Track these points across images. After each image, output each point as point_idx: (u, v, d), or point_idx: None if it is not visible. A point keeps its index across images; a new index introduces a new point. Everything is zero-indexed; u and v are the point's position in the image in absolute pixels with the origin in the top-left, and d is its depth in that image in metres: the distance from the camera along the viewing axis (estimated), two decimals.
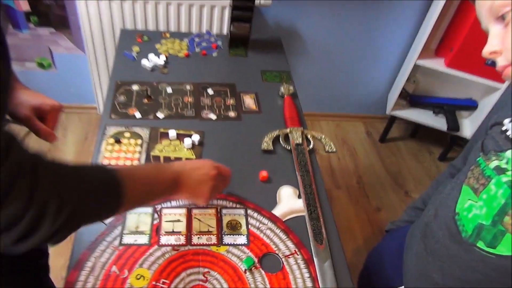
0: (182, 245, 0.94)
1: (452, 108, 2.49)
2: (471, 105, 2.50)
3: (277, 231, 1.01)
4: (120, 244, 0.93)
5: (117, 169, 0.68)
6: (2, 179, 0.44)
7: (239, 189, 1.09)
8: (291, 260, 0.96)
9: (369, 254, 1.26)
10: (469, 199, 0.78)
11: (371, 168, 2.55)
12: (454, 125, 2.41)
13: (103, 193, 0.63)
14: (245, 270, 0.92)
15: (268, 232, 1.01)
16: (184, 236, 0.96)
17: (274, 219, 1.04)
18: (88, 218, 0.62)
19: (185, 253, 0.93)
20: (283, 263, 0.95)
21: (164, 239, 0.95)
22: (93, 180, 0.62)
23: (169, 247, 0.94)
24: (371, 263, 1.23)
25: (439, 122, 2.49)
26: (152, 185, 0.79)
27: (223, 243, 0.96)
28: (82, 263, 0.88)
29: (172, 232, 0.97)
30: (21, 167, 0.47)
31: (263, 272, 0.92)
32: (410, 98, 2.55)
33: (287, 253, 0.97)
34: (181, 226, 0.98)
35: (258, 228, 1.01)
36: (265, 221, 1.03)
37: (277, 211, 1.06)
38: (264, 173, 1.13)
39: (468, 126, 2.50)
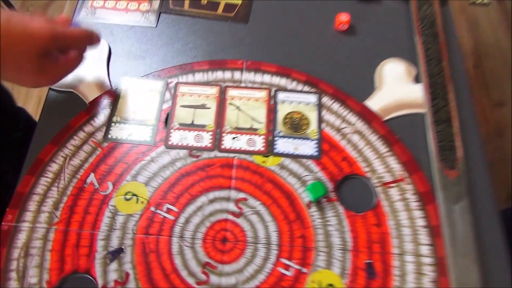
0: (206, 148, 0.56)
1: None
2: None
3: (373, 138, 0.57)
4: (105, 139, 0.56)
5: None
6: None
7: (308, 58, 0.63)
8: (394, 192, 0.53)
9: None
10: None
11: (497, 47, 1.86)
12: None
13: None
14: (309, 202, 0.52)
15: (355, 138, 0.57)
16: (211, 134, 0.57)
17: (367, 117, 0.59)
18: None
19: (209, 162, 0.55)
20: (378, 195, 0.53)
21: (176, 136, 0.57)
22: None
23: (184, 150, 0.56)
24: None
25: None
26: None
27: (276, 151, 0.56)
28: (43, 165, 0.54)
29: (192, 126, 0.57)
30: None
31: (341, 209, 0.52)
32: None
33: (388, 178, 0.54)
34: (207, 117, 0.58)
35: (337, 130, 0.58)
36: (352, 118, 0.59)
37: (375, 103, 0.60)
38: (344, 17, 0.65)
39: None
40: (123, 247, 0.49)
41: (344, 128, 0.58)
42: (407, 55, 0.64)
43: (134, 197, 0.52)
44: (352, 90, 0.61)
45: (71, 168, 0.54)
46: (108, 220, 0.51)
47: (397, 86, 0.61)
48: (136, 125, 0.57)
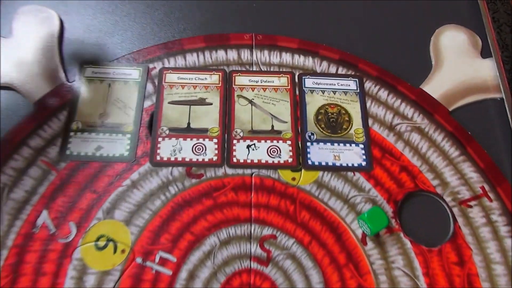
0: (211, 163, 0.39)
1: None
2: None
3: (438, 137, 0.42)
4: (62, 156, 0.39)
5: None
6: None
7: (340, 29, 0.47)
8: (476, 213, 0.38)
9: None
10: None
11: None
12: None
13: None
14: (364, 235, 0.37)
15: (415, 138, 0.41)
16: (217, 141, 0.40)
17: (428, 107, 0.43)
18: None
19: (218, 184, 0.38)
20: (454, 219, 0.38)
21: (166, 148, 0.39)
22: None
23: (179, 167, 0.39)
24: None
25: None
26: None
27: (310, 162, 0.39)
28: None
29: (188, 131, 0.40)
30: None
31: (407, 243, 0.37)
32: None
33: (465, 194, 0.39)
34: (209, 117, 0.41)
35: (390, 128, 0.42)
36: (407, 110, 0.43)
37: (435, 87, 0.44)
38: None
39: None
40: None
41: (399, 124, 0.42)
42: (468, 21, 0.48)
43: (111, 243, 0.36)
44: (402, 70, 0.45)
45: (12, 204, 0.36)
46: (73, 282, 0.34)
47: (460, 63, 0.46)
48: (106, 134, 0.40)
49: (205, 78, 0.42)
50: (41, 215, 0.36)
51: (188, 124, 0.41)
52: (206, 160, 0.39)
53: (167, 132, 0.40)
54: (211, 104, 0.41)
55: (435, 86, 0.44)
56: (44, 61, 0.43)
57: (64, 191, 0.37)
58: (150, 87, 0.42)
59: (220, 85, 0.42)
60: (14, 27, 0.45)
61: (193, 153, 0.39)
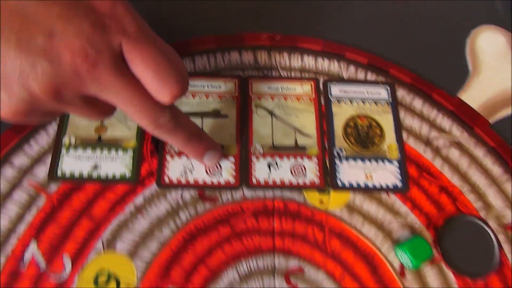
0: (227, 186, 0.34)
1: None
2: None
3: (479, 153, 0.37)
4: (52, 177, 0.33)
5: None
6: None
7: (368, 30, 0.42)
8: None
9: None
10: None
11: None
12: None
13: None
14: (402, 267, 0.33)
15: (454, 155, 0.37)
16: (233, 159, 0.35)
17: (467, 119, 0.39)
18: None
19: (235, 209, 0.33)
20: (500, 247, 0.34)
21: (176, 168, 0.34)
22: None
23: (191, 190, 0.33)
24: None
25: None
26: None
27: (339, 183, 0.35)
28: None
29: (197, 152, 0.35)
30: None
31: (449, 274, 0.33)
32: None
33: (510, 217, 0.35)
34: (224, 131, 0.36)
35: (426, 143, 0.37)
36: (445, 122, 0.38)
37: (474, 96, 0.40)
38: None
39: None
40: None
41: (436, 138, 0.37)
42: (507, 21, 0.44)
43: (113, 281, 0.30)
44: (437, 76, 0.40)
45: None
46: None
47: (501, 69, 0.41)
48: (105, 151, 0.34)
49: (219, 86, 0.37)
50: (29, 248, 0.31)
51: None
52: (222, 182, 0.34)
53: (177, 149, 0.35)
54: (227, 116, 0.36)
55: (474, 95, 0.40)
56: None
57: (56, 219, 0.32)
58: None
59: (236, 94, 0.37)
60: None
61: (207, 173, 0.34)
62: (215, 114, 0.36)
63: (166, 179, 0.34)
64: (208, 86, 0.37)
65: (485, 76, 0.41)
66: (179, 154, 0.34)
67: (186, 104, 0.36)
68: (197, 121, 0.35)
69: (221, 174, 0.34)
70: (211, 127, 0.36)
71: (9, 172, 0.33)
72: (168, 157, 0.34)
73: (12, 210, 0.32)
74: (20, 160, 0.33)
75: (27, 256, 0.30)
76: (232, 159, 0.35)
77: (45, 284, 0.30)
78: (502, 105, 0.40)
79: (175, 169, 0.34)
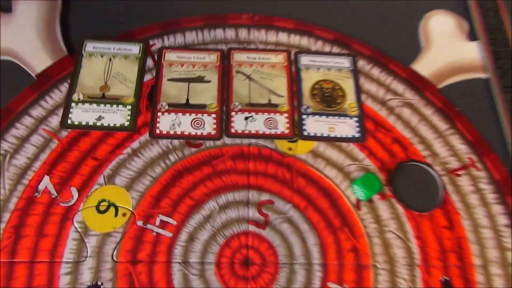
0: (210, 137, 0.40)
1: None
2: None
3: (428, 111, 0.44)
4: (64, 125, 0.39)
5: None
6: None
7: (334, 11, 0.49)
8: (464, 182, 0.40)
9: None
10: None
11: None
12: None
13: None
14: (358, 201, 0.38)
15: (406, 113, 0.43)
16: (215, 116, 0.41)
17: (418, 85, 0.45)
18: None
19: (217, 153, 0.39)
20: (443, 187, 0.40)
21: (166, 123, 0.40)
22: None
23: (179, 139, 0.40)
24: None
25: None
26: None
27: (305, 133, 0.41)
28: None
29: (187, 107, 0.41)
30: None
31: (399, 208, 0.39)
32: None
33: (454, 164, 0.41)
34: (207, 94, 0.42)
35: (382, 103, 0.44)
36: (399, 87, 0.45)
37: (424, 67, 0.46)
38: None
39: None
40: (99, 282, 0.34)
41: (391, 99, 0.44)
42: (455, 7, 0.51)
43: (112, 207, 0.36)
44: (393, 50, 0.47)
45: (14, 170, 0.37)
46: (75, 244, 0.35)
47: (448, 45, 0.48)
48: (107, 105, 0.40)
49: (204, 57, 0.44)
50: (42, 180, 0.37)
51: (187, 100, 0.42)
52: (205, 133, 0.40)
53: (166, 107, 0.41)
54: (210, 81, 0.43)
55: (425, 66, 0.46)
56: (45, 34, 0.44)
57: (65, 158, 0.38)
58: (150, 62, 0.43)
59: (218, 64, 0.44)
60: (15, 1, 0.46)
61: (192, 127, 0.40)
62: (200, 79, 0.43)
63: (158, 131, 0.40)
64: (194, 58, 0.44)
65: (435, 51, 0.47)
66: (168, 111, 0.41)
67: (176, 72, 0.43)
68: (184, 85, 0.42)
69: (204, 127, 0.40)
70: (196, 90, 0.42)
71: (28, 121, 0.39)
72: (159, 114, 0.41)
73: (29, 150, 0.38)
74: (37, 111, 0.40)
75: (41, 186, 0.37)
76: (214, 115, 0.41)
77: (56, 209, 0.36)
78: (449, 74, 0.46)
79: (165, 123, 0.40)
